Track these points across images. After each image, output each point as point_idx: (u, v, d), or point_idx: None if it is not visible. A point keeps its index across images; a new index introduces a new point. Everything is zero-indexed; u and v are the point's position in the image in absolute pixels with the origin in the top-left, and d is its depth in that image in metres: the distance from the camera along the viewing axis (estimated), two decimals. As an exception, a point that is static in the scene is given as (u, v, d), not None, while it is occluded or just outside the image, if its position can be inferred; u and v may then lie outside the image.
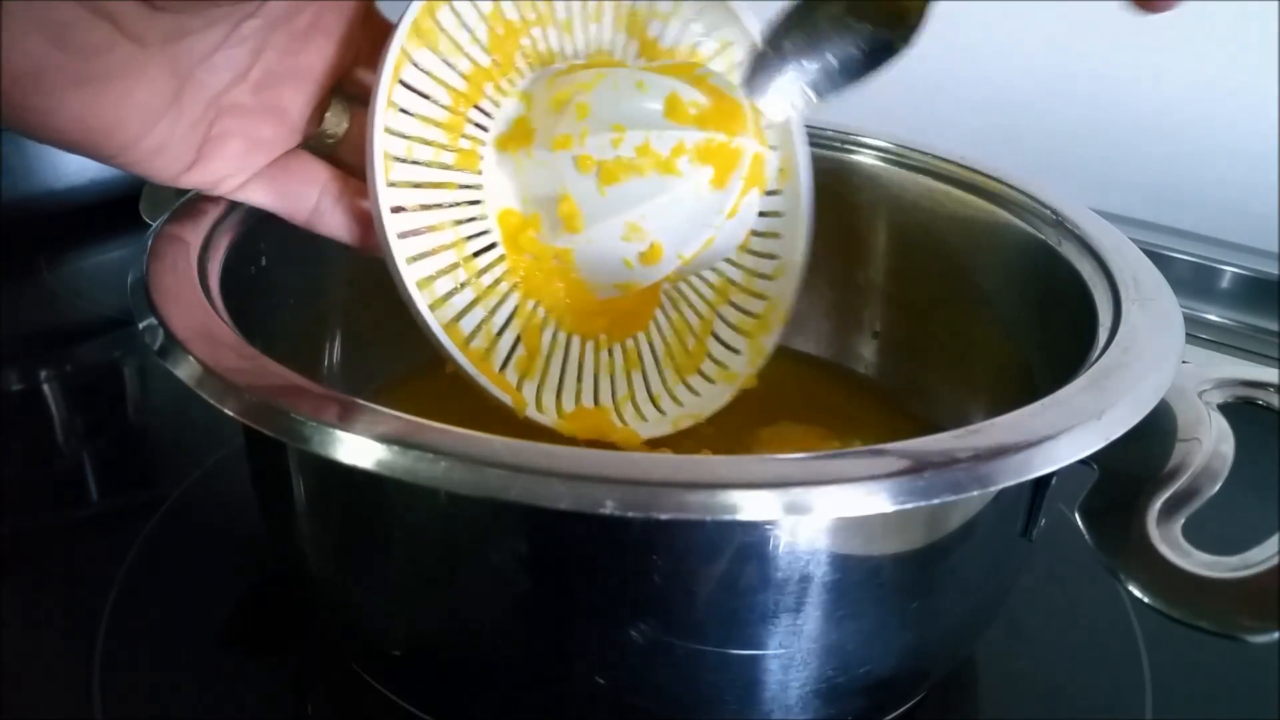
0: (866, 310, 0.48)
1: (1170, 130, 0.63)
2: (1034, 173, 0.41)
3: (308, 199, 0.32)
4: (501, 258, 0.35)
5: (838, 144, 0.46)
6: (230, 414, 0.26)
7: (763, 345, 0.41)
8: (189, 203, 0.37)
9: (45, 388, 0.53)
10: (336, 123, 0.32)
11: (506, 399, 0.34)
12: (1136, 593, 0.26)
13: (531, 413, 0.35)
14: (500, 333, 0.35)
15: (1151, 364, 0.29)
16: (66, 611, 0.38)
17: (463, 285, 0.34)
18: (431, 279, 0.33)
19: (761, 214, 0.41)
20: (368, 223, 0.32)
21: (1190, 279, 0.60)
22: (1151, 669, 0.36)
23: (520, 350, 0.35)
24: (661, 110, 0.33)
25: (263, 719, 0.34)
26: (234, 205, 0.37)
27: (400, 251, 0.32)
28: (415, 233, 0.33)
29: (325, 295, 0.43)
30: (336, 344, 0.44)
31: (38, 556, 0.41)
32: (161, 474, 0.47)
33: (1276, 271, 0.58)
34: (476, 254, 0.35)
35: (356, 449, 0.24)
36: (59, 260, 0.65)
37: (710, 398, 0.41)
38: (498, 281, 0.35)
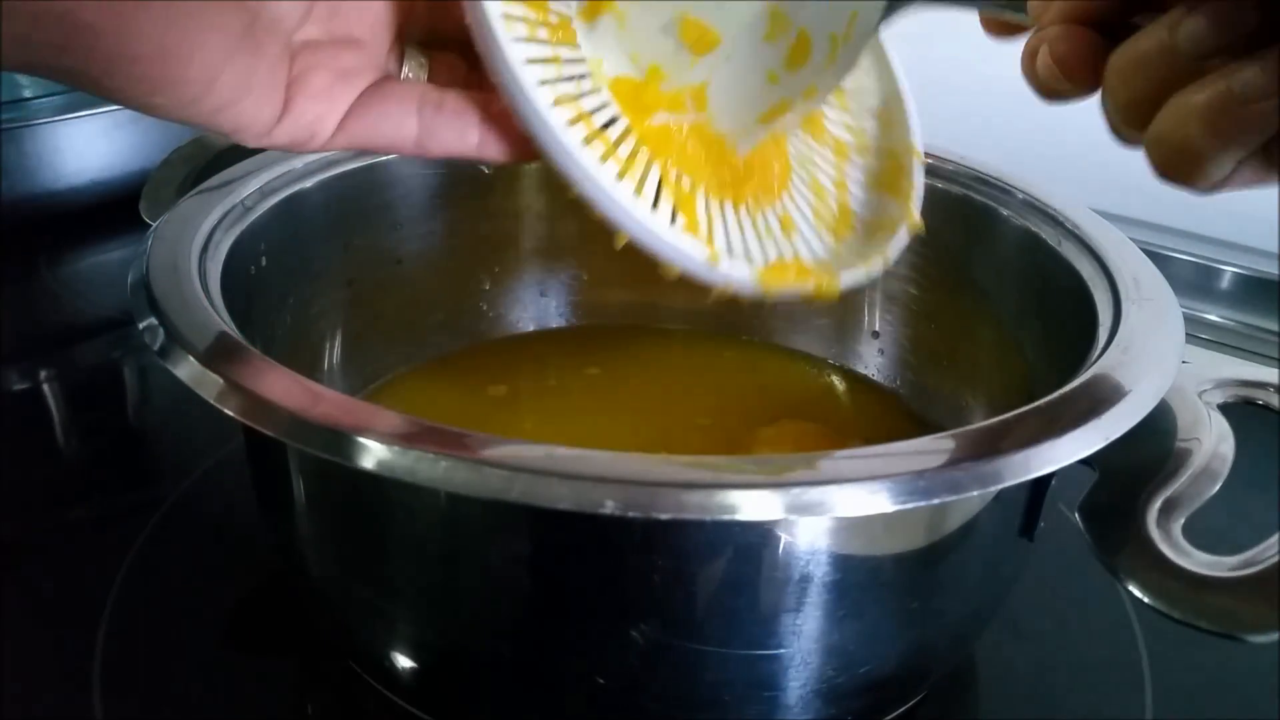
0: (866, 310, 0.48)
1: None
2: (1034, 173, 0.41)
3: (409, 122, 0.30)
4: (628, 130, 0.32)
5: (838, 144, 0.46)
6: (230, 414, 0.26)
7: (906, 187, 0.38)
8: (189, 203, 0.37)
9: (45, 388, 0.53)
10: (417, 70, 0.31)
11: (698, 251, 0.30)
12: (1136, 593, 0.26)
13: (725, 266, 0.31)
14: (655, 204, 0.31)
15: (1151, 364, 0.29)
16: (66, 611, 0.38)
17: (604, 159, 0.30)
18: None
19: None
20: (484, 125, 0.30)
21: (1190, 279, 0.60)
22: (1151, 669, 0.36)
23: (680, 219, 0.31)
24: None
25: (263, 719, 0.34)
26: (233, 205, 0.37)
27: (554, 117, 0.28)
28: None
29: (325, 295, 0.43)
30: (336, 344, 0.44)
31: (38, 556, 0.41)
32: (161, 474, 0.47)
33: (1276, 271, 0.58)
34: (604, 128, 0.31)
35: (357, 449, 0.24)
36: (59, 260, 0.65)
37: (880, 246, 0.36)
38: (635, 153, 0.31)
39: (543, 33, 0.31)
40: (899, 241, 0.36)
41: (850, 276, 0.34)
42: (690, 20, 0.30)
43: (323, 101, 0.29)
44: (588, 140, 0.29)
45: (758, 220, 0.35)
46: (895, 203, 0.38)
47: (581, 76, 0.31)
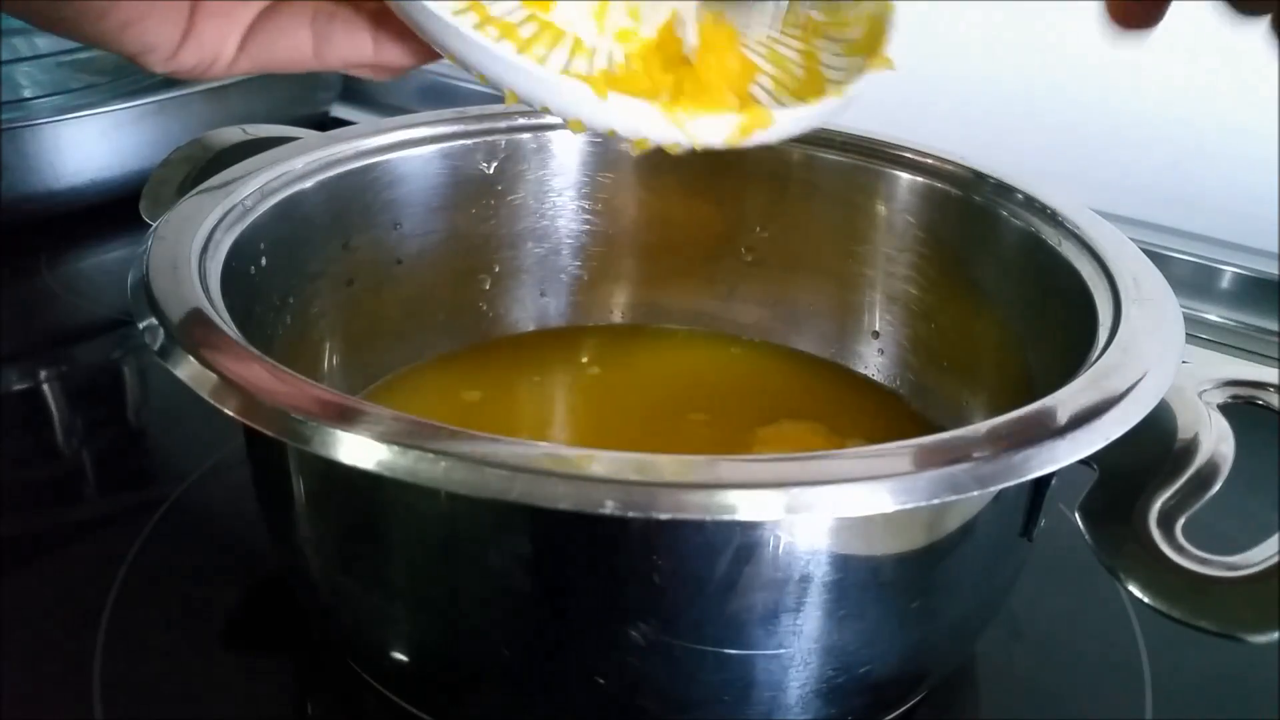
0: (866, 310, 0.48)
1: (1170, 130, 0.63)
2: (1034, 173, 0.41)
3: (304, 35, 0.30)
4: (531, 18, 0.31)
5: (838, 145, 0.46)
6: (230, 414, 0.26)
7: (882, 43, 0.34)
8: (189, 203, 0.37)
9: (45, 388, 0.53)
10: None
11: (581, 88, 0.28)
12: (1136, 593, 0.26)
13: (615, 101, 0.28)
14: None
15: (1151, 364, 0.29)
16: (66, 611, 0.38)
17: (499, 39, 0.29)
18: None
19: None
20: (376, 31, 0.30)
21: (1190, 279, 0.60)
22: (1151, 669, 0.36)
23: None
24: None
25: (263, 719, 0.34)
26: (233, 205, 0.37)
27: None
28: None
29: (325, 295, 0.43)
30: (336, 344, 0.44)
31: (38, 556, 0.41)
32: (161, 474, 0.47)
33: (1276, 271, 0.58)
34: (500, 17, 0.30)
35: (356, 449, 0.24)
36: (59, 260, 0.65)
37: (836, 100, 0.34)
38: (539, 33, 0.30)
39: None
40: (860, 84, 0.33)
41: (796, 113, 0.31)
42: None
43: (222, 20, 0.28)
44: (476, 25, 0.28)
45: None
46: (870, 60, 0.34)
47: None
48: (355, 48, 0.30)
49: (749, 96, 0.33)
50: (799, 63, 0.35)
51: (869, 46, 0.35)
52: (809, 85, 0.34)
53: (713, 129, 0.30)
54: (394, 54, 0.30)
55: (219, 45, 0.29)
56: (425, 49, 0.30)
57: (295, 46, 0.30)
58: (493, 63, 0.28)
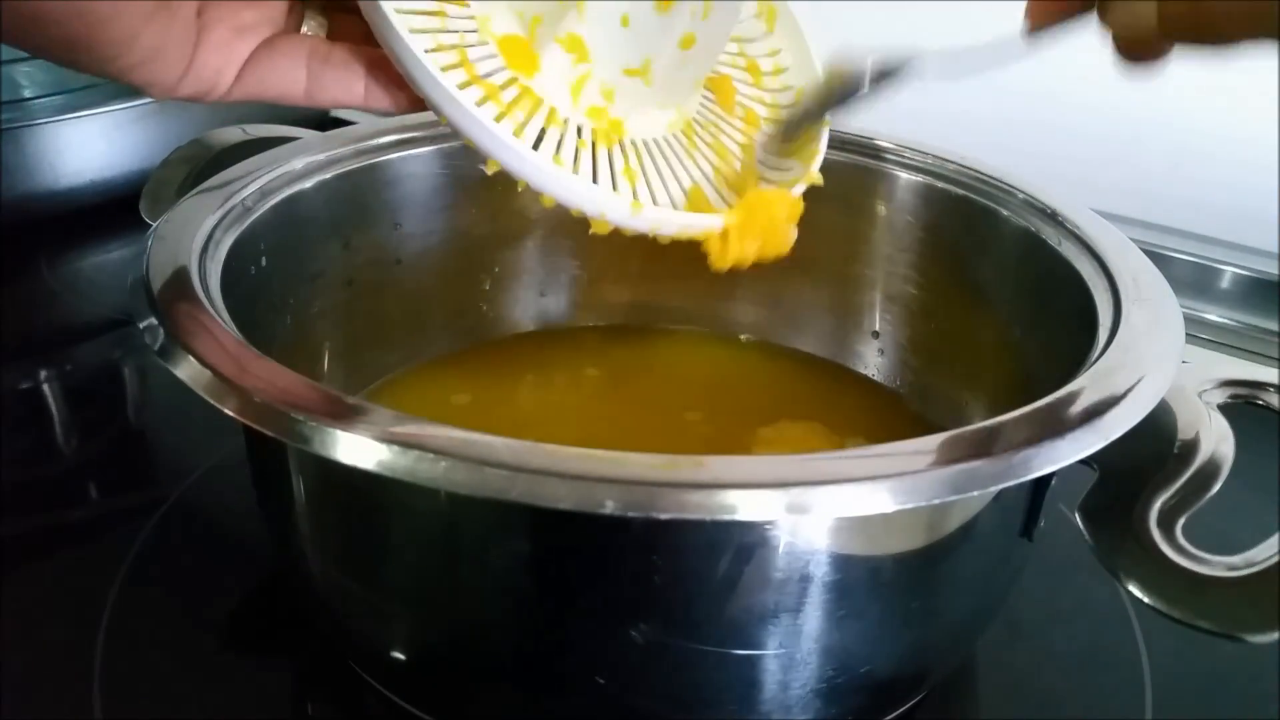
0: (866, 310, 0.48)
1: (1170, 130, 0.63)
2: (1034, 173, 0.41)
3: (298, 74, 0.32)
4: (513, 80, 0.33)
5: (837, 145, 0.46)
6: (230, 414, 0.26)
7: (813, 150, 0.38)
8: (189, 203, 0.37)
9: (45, 388, 0.53)
10: (316, 28, 0.33)
11: (563, 172, 0.31)
12: (1136, 593, 0.26)
13: (608, 198, 0.32)
14: (536, 145, 0.32)
15: (1151, 364, 0.29)
16: (66, 611, 0.38)
17: (483, 100, 0.32)
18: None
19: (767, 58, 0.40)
20: (370, 76, 0.32)
21: (1190, 279, 0.60)
22: (1151, 669, 0.36)
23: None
24: None
25: (263, 719, 0.34)
26: (233, 205, 0.37)
27: (430, 63, 0.30)
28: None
29: (324, 295, 0.43)
30: (336, 344, 0.44)
31: (38, 556, 0.41)
32: (161, 474, 0.47)
33: (1276, 271, 0.58)
34: (485, 77, 0.32)
35: (356, 449, 0.24)
36: (59, 260, 0.65)
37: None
38: (518, 100, 0.33)
39: None
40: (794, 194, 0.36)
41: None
42: None
43: (221, 55, 0.30)
44: (464, 84, 0.31)
45: (649, 171, 0.36)
46: (799, 164, 0.38)
47: (469, 31, 0.32)
48: (346, 91, 0.32)
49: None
50: (738, 155, 0.38)
51: (800, 148, 0.38)
52: (744, 180, 0.37)
53: (667, 225, 0.33)
54: (382, 102, 0.32)
55: (216, 78, 0.30)
56: (413, 99, 0.31)
57: (288, 82, 0.32)
58: (499, 149, 0.31)
